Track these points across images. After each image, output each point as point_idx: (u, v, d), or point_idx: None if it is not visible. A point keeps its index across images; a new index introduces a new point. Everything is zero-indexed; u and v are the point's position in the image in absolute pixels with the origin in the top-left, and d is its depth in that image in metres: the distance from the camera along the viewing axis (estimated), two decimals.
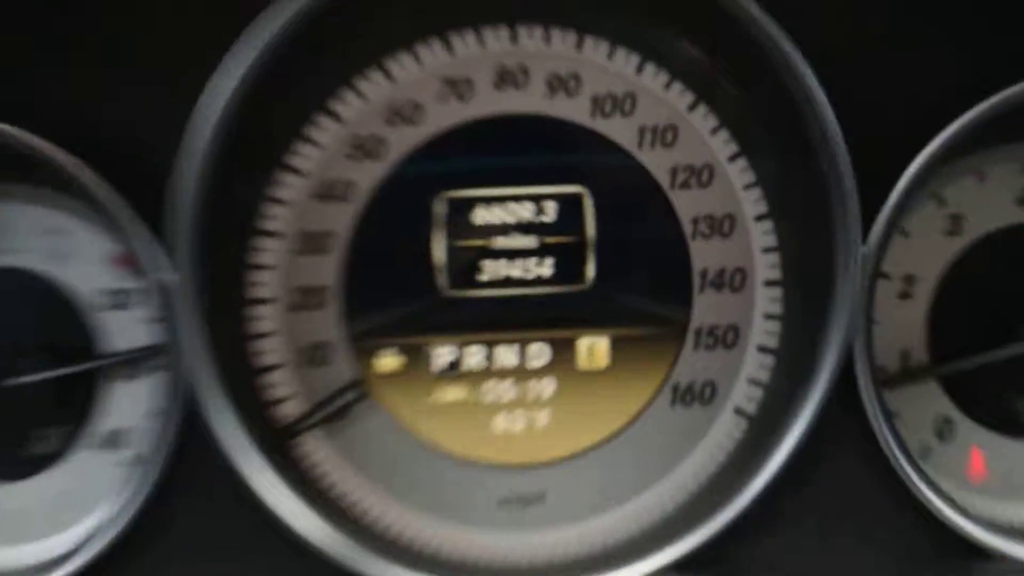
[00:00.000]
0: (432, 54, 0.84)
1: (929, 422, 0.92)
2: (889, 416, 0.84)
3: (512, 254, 0.87)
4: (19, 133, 0.77)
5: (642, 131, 0.87)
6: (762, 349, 0.89)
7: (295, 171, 0.85)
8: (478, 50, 0.84)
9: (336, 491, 0.87)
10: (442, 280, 0.87)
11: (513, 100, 0.85)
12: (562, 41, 0.84)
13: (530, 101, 0.85)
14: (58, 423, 0.86)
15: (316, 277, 0.86)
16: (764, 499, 0.82)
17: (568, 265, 0.87)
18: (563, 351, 0.88)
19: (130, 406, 0.86)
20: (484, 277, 0.87)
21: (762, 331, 0.89)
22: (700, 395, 0.89)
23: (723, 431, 0.89)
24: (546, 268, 0.87)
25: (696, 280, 0.88)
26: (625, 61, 0.85)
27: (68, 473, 0.87)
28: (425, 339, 0.87)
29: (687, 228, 0.88)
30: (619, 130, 0.86)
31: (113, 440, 0.87)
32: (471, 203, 0.86)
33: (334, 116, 0.85)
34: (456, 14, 0.82)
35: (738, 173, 0.88)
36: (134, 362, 0.86)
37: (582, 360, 0.88)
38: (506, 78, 0.85)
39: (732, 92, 0.85)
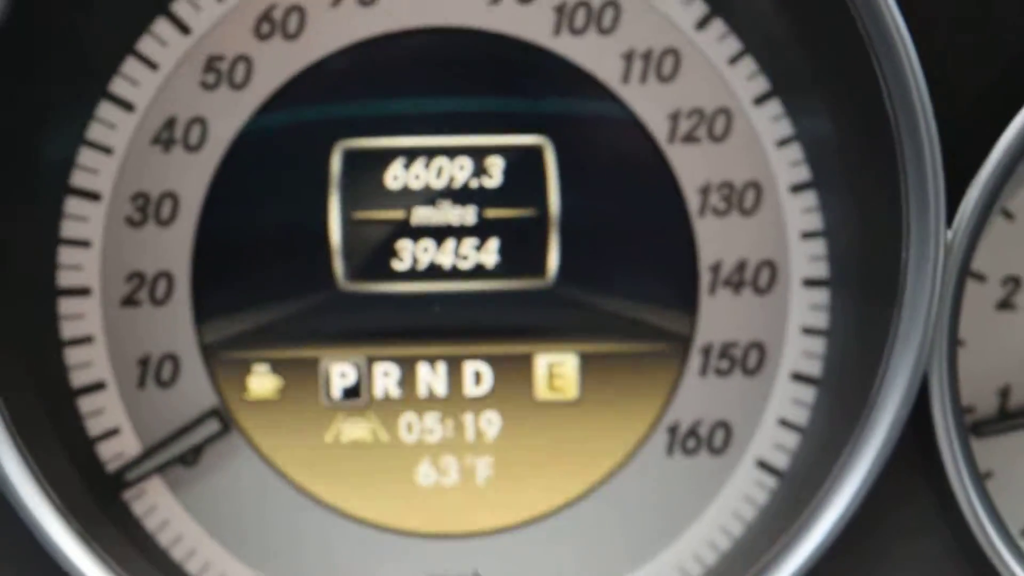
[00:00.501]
0: None
1: None
2: (979, 477, 0.78)
3: (440, 233, 0.81)
4: None
5: (628, 58, 0.81)
6: (798, 378, 0.83)
7: (123, 104, 0.80)
8: None
9: (188, 566, 0.82)
10: (338, 267, 0.81)
11: (442, 7, 0.81)
12: None
13: (466, 9, 0.81)
14: None
15: (155, 259, 0.81)
16: None
17: (521, 251, 0.82)
18: (512, 374, 0.83)
19: None
20: (399, 265, 0.81)
21: (798, 352, 0.83)
22: (708, 440, 0.83)
23: (741, 492, 0.83)
24: (489, 254, 0.82)
25: (705, 276, 0.82)
26: None
27: None
28: (314, 351, 0.82)
29: (692, 201, 0.82)
30: (595, 55, 0.81)
31: None
32: (379, 157, 0.81)
33: (178, 24, 0.80)
34: None
35: (768, 123, 0.81)
36: None
37: (540, 387, 0.82)
38: None
39: (761, 2, 0.80)
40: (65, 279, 0.80)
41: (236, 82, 0.80)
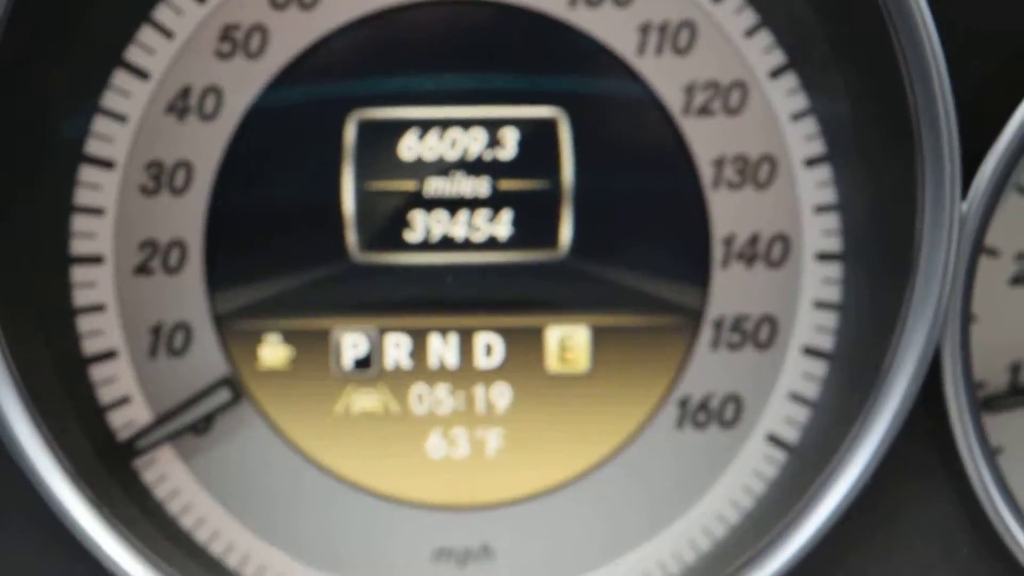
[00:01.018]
0: None
1: None
2: (990, 452, 0.78)
3: (453, 204, 0.81)
4: None
5: (645, 30, 0.81)
6: (809, 352, 0.83)
7: (138, 72, 0.79)
8: None
9: (197, 535, 0.81)
10: (351, 238, 0.81)
11: None
12: None
13: None
14: None
15: (169, 227, 0.81)
16: (806, 564, 0.77)
17: (534, 223, 0.82)
18: (524, 346, 0.83)
19: None
20: (412, 236, 0.81)
21: (810, 326, 0.83)
22: (719, 414, 0.83)
23: (751, 465, 0.83)
24: (502, 226, 0.81)
25: (717, 249, 0.82)
26: None
27: None
28: (326, 322, 0.82)
29: (706, 174, 0.82)
30: (611, 27, 0.81)
31: None
32: (394, 128, 0.81)
33: None
34: None
35: (784, 96, 0.81)
36: None
37: (551, 359, 0.82)
38: None
39: None
40: (78, 247, 0.80)
41: (252, 51, 0.80)
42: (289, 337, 0.82)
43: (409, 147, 0.80)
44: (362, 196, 0.81)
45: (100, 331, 0.81)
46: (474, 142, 0.81)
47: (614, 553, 0.83)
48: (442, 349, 0.82)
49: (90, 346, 0.80)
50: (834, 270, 0.82)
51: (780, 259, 0.82)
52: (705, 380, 0.83)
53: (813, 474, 0.78)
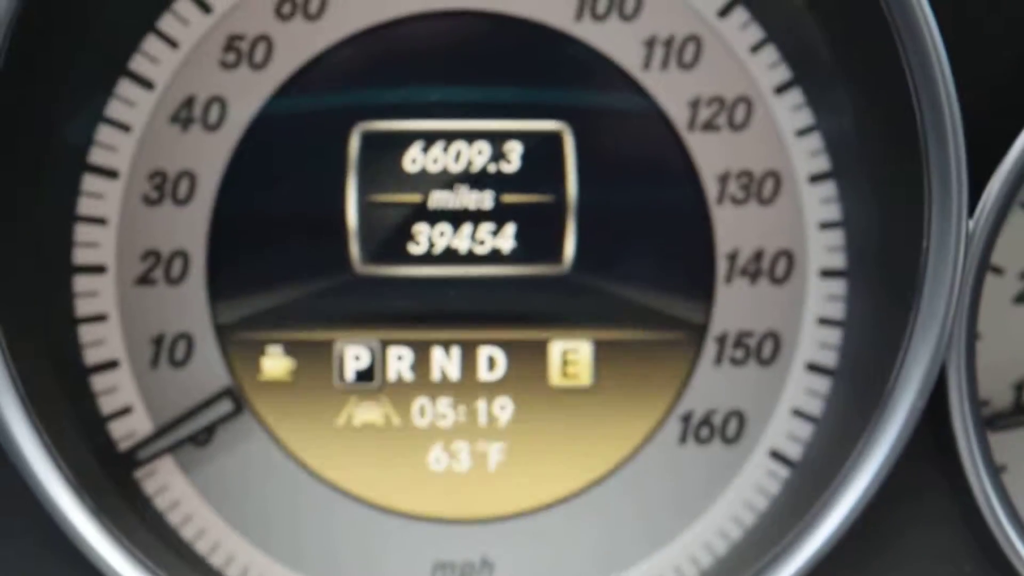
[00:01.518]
0: None
1: None
2: (995, 470, 0.78)
3: (457, 217, 0.81)
4: None
5: (650, 44, 0.81)
6: (813, 368, 0.83)
7: (142, 81, 0.80)
8: None
9: (198, 546, 0.81)
10: (354, 250, 0.81)
11: None
12: None
13: None
14: None
15: (171, 238, 0.81)
16: None
17: (537, 237, 0.82)
18: (526, 360, 0.82)
19: None
20: (416, 249, 0.81)
21: (814, 342, 0.83)
22: (722, 430, 0.83)
23: (753, 481, 0.83)
24: (506, 240, 0.81)
25: (721, 265, 0.82)
26: None
27: None
28: (328, 334, 0.82)
29: (710, 189, 0.82)
30: (616, 41, 0.81)
31: None
32: (398, 140, 0.81)
33: (199, 2, 0.79)
34: None
35: (788, 112, 0.81)
36: None
37: (554, 373, 0.82)
38: None
39: None
40: (81, 256, 0.80)
41: (256, 62, 0.80)
42: (291, 349, 0.81)
43: (413, 159, 0.80)
44: (365, 208, 0.80)
45: (102, 341, 0.80)
46: (478, 155, 0.80)
47: (615, 569, 0.82)
48: (444, 362, 0.81)
49: (92, 356, 0.80)
50: (838, 287, 0.82)
51: (784, 275, 0.82)
52: (708, 395, 0.83)
53: (816, 491, 0.77)
